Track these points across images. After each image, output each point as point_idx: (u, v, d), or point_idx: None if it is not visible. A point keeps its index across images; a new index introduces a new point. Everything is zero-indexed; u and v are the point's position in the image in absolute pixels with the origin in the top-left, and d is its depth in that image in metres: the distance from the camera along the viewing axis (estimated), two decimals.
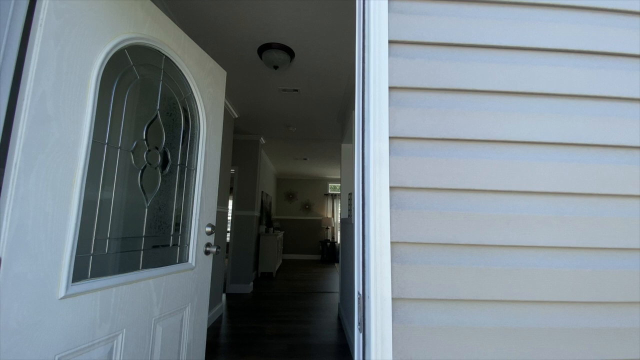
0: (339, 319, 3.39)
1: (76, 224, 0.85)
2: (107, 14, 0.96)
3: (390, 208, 0.75)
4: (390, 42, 0.81)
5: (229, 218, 4.93)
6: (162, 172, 1.23)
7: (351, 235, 2.77)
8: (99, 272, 0.96)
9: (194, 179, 1.39)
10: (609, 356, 0.73)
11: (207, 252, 1.44)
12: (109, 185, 1.01)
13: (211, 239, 1.49)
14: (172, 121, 1.28)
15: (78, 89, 0.86)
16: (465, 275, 0.74)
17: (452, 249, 0.75)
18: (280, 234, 6.59)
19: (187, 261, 1.33)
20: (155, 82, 1.20)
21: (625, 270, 0.76)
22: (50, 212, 0.79)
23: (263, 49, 2.30)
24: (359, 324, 0.75)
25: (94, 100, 0.90)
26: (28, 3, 0.81)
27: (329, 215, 8.53)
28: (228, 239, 4.84)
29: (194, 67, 1.37)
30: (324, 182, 8.70)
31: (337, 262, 7.68)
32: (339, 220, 7.87)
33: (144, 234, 1.15)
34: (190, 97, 1.38)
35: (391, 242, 0.74)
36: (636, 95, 0.82)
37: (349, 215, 3.17)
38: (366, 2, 0.83)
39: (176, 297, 1.24)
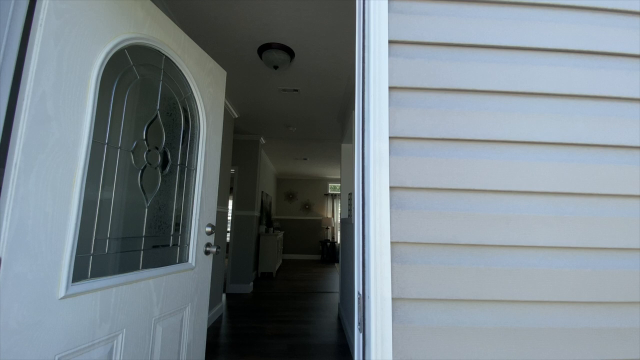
0: (339, 319, 3.39)
1: (76, 224, 0.85)
2: (107, 14, 0.96)
3: (390, 208, 0.75)
4: (390, 42, 0.81)
5: (229, 218, 4.93)
6: (162, 172, 1.23)
7: (351, 235, 2.77)
8: (99, 272, 0.96)
9: (194, 179, 1.39)
10: (609, 356, 0.73)
11: (207, 252, 1.44)
12: (109, 185, 1.01)
13: (211, 239, 1.49)
14: (172, 121, 1.28)
15: (78, 89, 0.86)
16: (465, 275, 0.74)
17: (452, 249, 0.75)
18: (280, 234, 6.59)
19: (187, 261, 1.33)
20: (155, 82, 1.20)
21: (625, 270, 0.76)
22: (50, 212, 0.79)
23: (263, 49, 2.30)
24: (359, 324, 0.75)
25: (94, 100, 0.90)
26: (28, 3, 0.81)
27: (329, 215, 8.53)
28: (228, 239, 4.84)
29: (194, 67, 1.37)
30: (324, 182, 8.70)
31: (337, 262, 7.68)
32: (339, 220, 7.87)
33: (144, 234, 1.15)
34: (190, 97, 1.38)
35: (391, 242, 0.74)
36: (636, 95, 0.82)
37: (349, 215, 3.17)
38: (366, 2, 0.83)
39: (176, 297, 1.24)
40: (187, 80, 1.34)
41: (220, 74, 1.58)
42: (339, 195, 8.32)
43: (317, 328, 3.08)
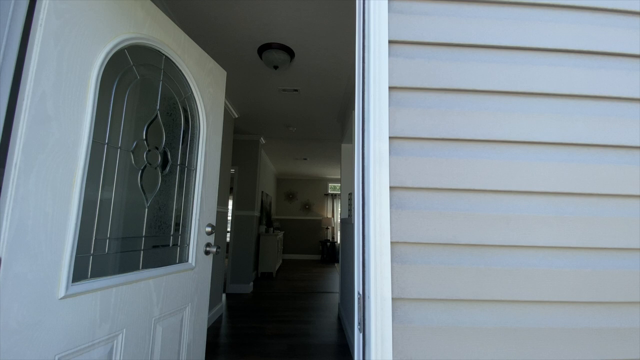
0: (339, 319, 3.39)
1: (76, 224, 0.85)
2: (107, 14, 0.96)
3: (390, 208, 0.75)
4: (390, 42, 0.81)
5: (229, 218, 4.93)
6: (162, 172, 1.23)
7: (351, 235, 2.77)
8: (99, 272, 0.96)
9: (194, 179, 1.39)
10: (609, 356, 0.73)
11: (207, 252, 1.44)
12: (109, 185, 1.01)
13: (211, 239, 1.49)
14: (172, 121, 1.28)
15: (78, 89, 0.86)
16: (465, 275, 0.74)
17: (452, 249, 0.75)
18: (280, 234, 6.59)
19: (187, 261, 1.33)
20: (155, 82, 1.20)
21: (625, 270, 0.76)
22: (50, 212, 0.79)
23: (263, 49, 2.30)
24: (359, 324, 0.75)
25: (94, 100, 0.90)
26: (28, 3, 0.81)
27: (329, 215, 8.53)
28: (228, 239, 4.84)
29: (194, 67, 1.37)
30: (324, 182, 8.70)
31: (337, 262, 7.68)
32: (339, 220, 7.87)
33: (144, 234, 1.15)
34: (190, 97, 1.38)
35: (391, 242, 0.74)
36: (636, 95, 0.82)
37: (349, 215, 3.17)
38: (366, 2, 0.83)
39: (176, 297, 1.24)
40: (187, 80, 1.34)
41: (220, 74, 1.58)
42: (339, 195, 8.32)
43: (317, 328, 3.08)
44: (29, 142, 0.74)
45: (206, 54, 1.46)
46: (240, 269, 4.35)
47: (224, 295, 4.18)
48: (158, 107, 1.21)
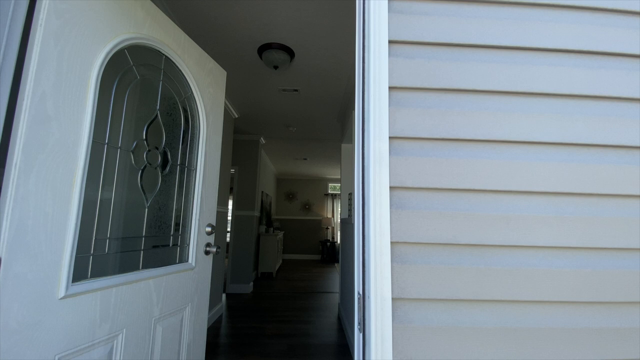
0: (339, 319, 3.39)
1: (76, 224, 0.85)
2: (107, 14, 0.96)
3: (390, 208, 0.75)
4: (390, 42, 0.81)
5: (229, 218, 4.93)
6: (162, 172, 1.23)
7: (351, 235, 2.77)
8: (99, 272, 0.96)
9: (194, 179, 1.39)
10: (609, 356, 0.73)
11: (207, 252, 1.44)
12: (109, 185, 1.01)
13: (211, 239, 1.49)
14: (172, 121, 1.28)
15: (78, 89, 0.86)
16: (465, 275, 0.74)
17: (452, 249, 0.75)
18: (280, 234, 6.59)
19: (187, 261, 1.33)
20: (155, 82, 1.20)
21: (625, 270, 0.76)
22: (50, 212, 0.79)
23: (263, 49, 2.30)
24: (359, 324, 0.75)
25: (94, 100, 0.90)
26: (28, 3, 0.81)
27: (329, 215, 8.53)
28: (228, 239, 4.84)
29: (194, 67, 1.37)
30: (324, 182, 8.70)
31: (337, 262, 7.68)
32: (339, 220, 7.87)
33: (144, 234, 1.15)
34: (190, 97, 1.38)
35: (391, 242, 0.74)
36: (636, 95, 0.82)
37: (349, 215, 3.17)
38: (366, 2, 0.83)
39: (176, 297, 1.24)
40: (187, 80, 1.34)
41: (220, 74, 1.58)
42: (339, 195, 8.32)
43: (317, 328, 3.08)
44: (29, 142, 0.74)
45: (206, 54, 1.46)
46: (240, 269, 4.35)
47: (224, 295, 4.18)
48: (158, 107, 1.21)
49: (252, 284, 4.55)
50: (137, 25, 1.07)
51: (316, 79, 2.80)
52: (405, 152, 0.78)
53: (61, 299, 0.81)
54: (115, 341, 0.97)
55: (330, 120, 3.92)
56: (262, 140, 4.84)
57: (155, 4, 1.54)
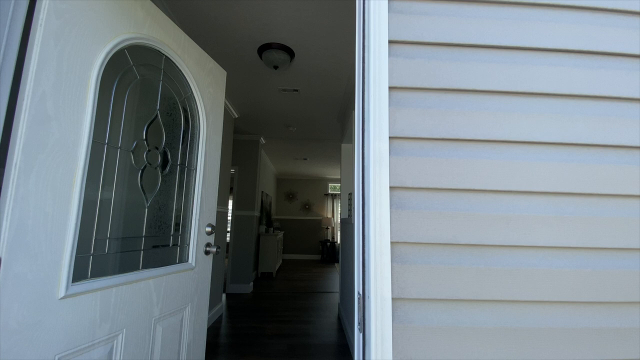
0: (339, 319, 3.39)
1: (76, 224, 0.85)
2: (107, 14, 0.96)
3: (390, 208, 0.75)
4: (390, 42, 0.81)
5: (229, 218, 4.93)
6: (162, 172, 1.23)
7: (351, 235, 2.77)
8: (99, 272, 0.96)
9: (194, 179, 1.39)
10: (609, 356, 0.73)
11: (207, 252, 1.44)
12: (109, 185, 1.01)
13: (211, 239, 1.49)
14: (172, 121, 1.28)
15: (78, 89, 0.86)
16: (465, 275, 0.74)
17: (452, 249, 0.75)
18: (280, 234, 6.59)
19: (187, 261, 1.33)
20: (155, 82, 1.20)
21: (625, 270, 0.76)
22: (50, 212, 0.79)
23: (263, 49, 2.30)
24: (359, 324, 0.75)
25: (94, 100, 0.90)
26: (28, 3, 0.81)
27: (329, 215, 8.53)
28: (228, 239, 4.84)
29: (194, 67, 1.37)
30: (324, 182, 8.70)
31: (337, 262, 7.68)
32: (339, 220, 7.87)
33: (144, 234, 1.15)
34: (190, 97, 1.38)
35: (391, 242, 0.74)
36: (636, 95, 0.82)
37: (349, 215, 3.17)
38: (366, 2, 0.83)
39: (176, 297, 1.24)
40: (187, 80, 1.34)
41: (220, 74, 1.58)
42: (339, 195, 8.32)
43: (317, 328, 3.08)
44: (29, 142, 0.74)
45: (206, 54, 1.46)
46: (240, 269, 4.35)
47: (224, 295, 4.18)
48: (158, 107, 1.21)
49: (252, 284, 4.55)
50: (137, 25, 1.07)
51: (316, 79, 2.80)
52: (405, 152, 0.78)
53: (61, 299, 0.81)
54: (115, 341, 0.97)
55: (330, 120, 3.92)
56: (262, 140, 4.84)
57: (155, 4, 1.54)
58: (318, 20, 1.98)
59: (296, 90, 3.05)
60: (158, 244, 1.21)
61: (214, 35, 2.17)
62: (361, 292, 0.75)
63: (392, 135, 0.78)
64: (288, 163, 6.87)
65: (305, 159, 6.35)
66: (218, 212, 3.23)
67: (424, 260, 0.74)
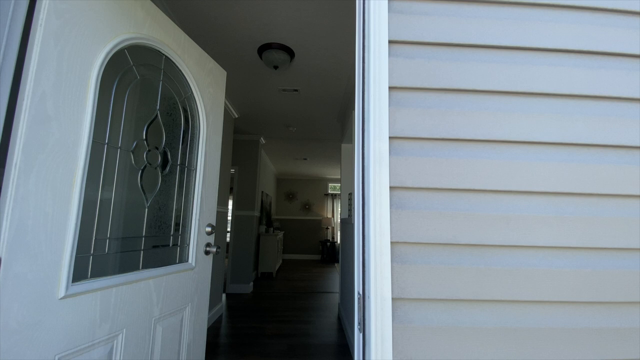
0: (339, 319, 3.39)
1: (76, 224, 0.85)
2: (107, 14, 0.96)
3: (390, 208, 0.75)
4: (390, 42, 0.81)
5: (229, 218, 4.93)
6: (162, 172, 1.23)
7: (351, 235, 2.77)
8: (99, 272, 0.96)
9: (194, 179, 1.39)
10: (609, 356, 0.73)
11: (207, 252, 1.44)
12: (109, 185, 1.01)
13: (211, 239, 1.49)
14: (172, 121, 1.28)
15: (78, 89, 0.86)
16: (465, 275, 0.74)
17: (452, 249, 0.75)
18: (280, 234, 6.59)
19: (187, 261, 1.33)
20: (155, 82, 1.20)
21: (625, 270, 0.76)
22: (50, 212, 0.79)
23: (263, 49, 2.30)
24: (359, 324, 0.75)
25: (94, 100, 0.90)
26: (28, 3, 0.81)
27: (329, 215, 8.53)
28: (228, 239, 4.84)
29: (194, 67, 1.37)
30: (324, 182, 8.70)
31: (337, 262, 7.68)
32: (339, 220, 7.87)
33: (144, 234, 1.15)
34: (190, 97, 1.38)
35: (391, 242, 0.74)
36: (636, 95, 0.82)
37: (349, 215, 3.17)
38: (366, 2, 0.83)
39: (176, 297, 1.24)
40: (187, 80, 1.34)
41: (220, 74, 1.58)
42: (339, 195, 8.32)
43: (317, 328, 3.08)
44: (29, 142, 0.74)
45: (206, 54, 1.46)
46: (240, 269, 4.35)
47: (224, 295, 4.18)
48: (158, 107, 1.21)
49: (252, 284, 4.55)
50: (137, 25, 1.07)
51: (316, 79, 2.80)
52: (405, 152, 0.78)
53: (61, 299, 0.81)
54: (115, 341, 0.97)
55: (330, 120, 3.92)
56: (262, 140, 4.84)
57: (155, 4, 1.54)
58: (318, 20, 1.98)
59: (296, 90, 3.05)
60: (158, 244, 1.21)
61: (214, 35, 2.17)
62: (361, 292, 0.75)
63: (392, 135, 0.78)
64: (288, 163, 6.87)
65: (305, 159, 6.35)
66: (218, 212, 3.23)
67: (424, 260, 0.74)
